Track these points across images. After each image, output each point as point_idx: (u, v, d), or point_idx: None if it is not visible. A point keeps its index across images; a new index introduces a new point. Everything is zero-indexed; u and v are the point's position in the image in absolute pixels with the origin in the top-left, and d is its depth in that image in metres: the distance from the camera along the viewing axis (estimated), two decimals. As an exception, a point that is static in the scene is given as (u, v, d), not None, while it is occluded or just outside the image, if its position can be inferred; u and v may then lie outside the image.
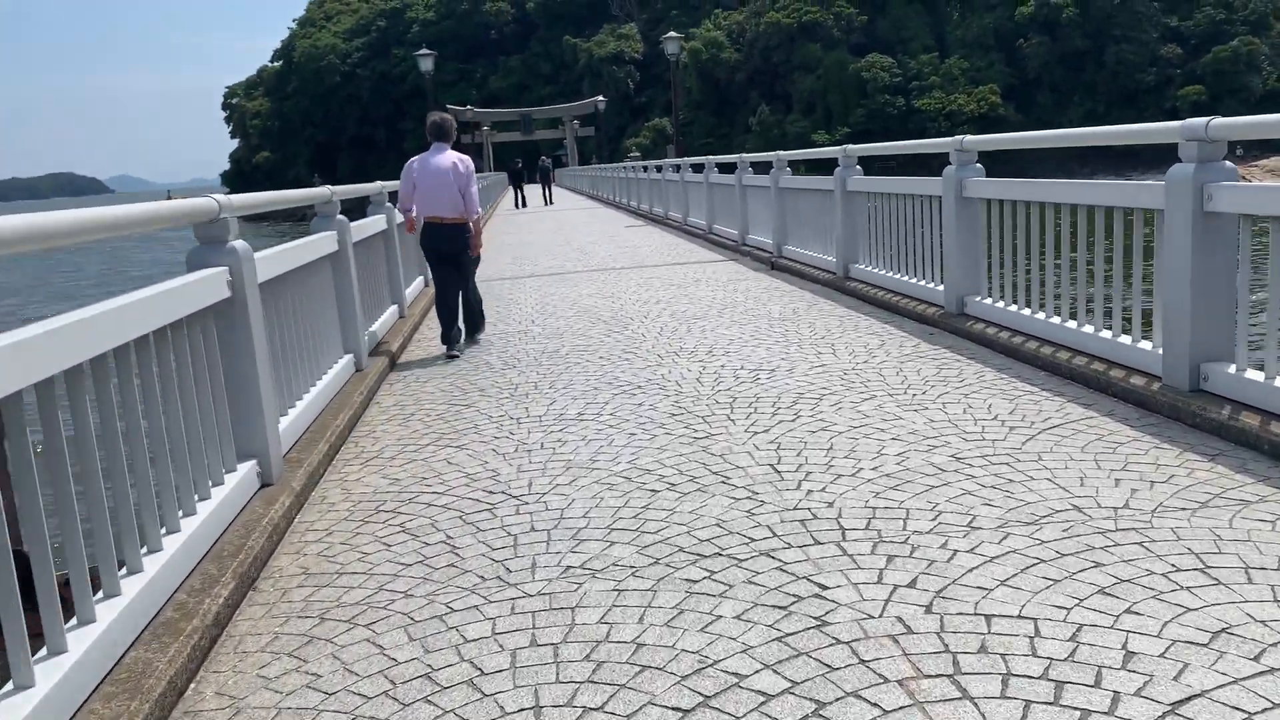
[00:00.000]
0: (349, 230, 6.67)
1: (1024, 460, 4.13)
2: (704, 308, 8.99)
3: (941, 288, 7.49)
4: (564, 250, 16.42)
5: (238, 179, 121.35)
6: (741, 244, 13.93)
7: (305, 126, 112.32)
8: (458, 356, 7.54)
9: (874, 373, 5.92)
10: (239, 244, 4.22)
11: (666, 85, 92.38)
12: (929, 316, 7.36)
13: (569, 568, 3.37)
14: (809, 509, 3.72)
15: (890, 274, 8.54)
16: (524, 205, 35.51)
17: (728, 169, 16.31)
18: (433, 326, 9.20)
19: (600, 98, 75.73)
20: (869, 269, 9.06)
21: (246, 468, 4.14)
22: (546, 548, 3.57)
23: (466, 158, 7.79)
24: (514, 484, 4.34)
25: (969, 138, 6.96)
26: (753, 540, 3.46)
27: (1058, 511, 3.54)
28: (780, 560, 3.27)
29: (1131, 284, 5.17)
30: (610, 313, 9.13)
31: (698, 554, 3.38)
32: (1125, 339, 5.24)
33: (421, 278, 11.48)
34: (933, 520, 3.53)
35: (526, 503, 4.08)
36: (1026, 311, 6.28)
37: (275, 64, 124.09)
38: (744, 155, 13.93)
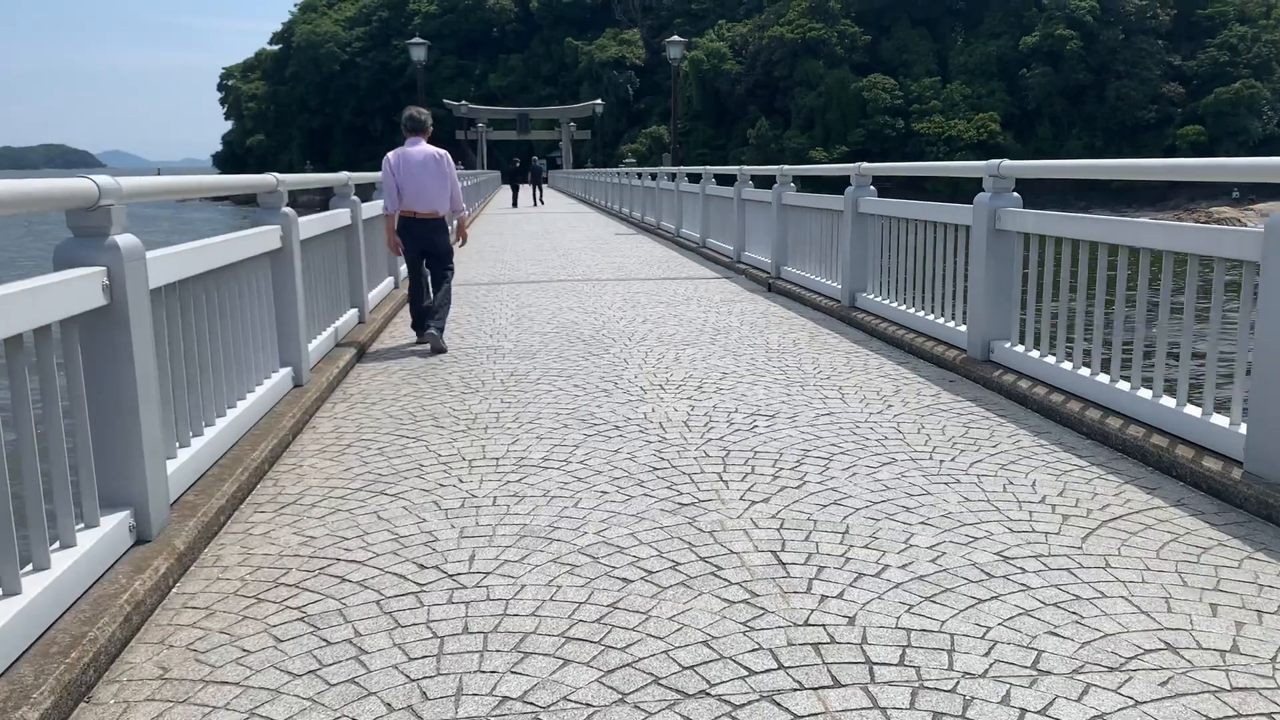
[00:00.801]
0: (296, 225, 5.80)
1: (1088, 566, 3.31)
2: (695, 332, 8.16)
3: (964, 328, 6.68)
4: (548, 256, 15.57)
5: (229, 161, 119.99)
6: (737, 261, 13.12)
7: (300, 112, 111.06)
8: (428, 343, 7.50)
9: (890, 427, 5.09)
10: (124, 239, 3.36)
11: (666, 93, 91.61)
12: (948, 360, 6.55)
13: (505, 699, 2.52)
14: (824, 626, 2.88)
15: (903, 308, 7.74)
16: (518, 205, 35.83)
17: (726, 181, 15.53)
18: (394, 335, 8.34)
19: (598, 101, 75.06)
20: (878, 300, 8.25)
21: (116, 520, 3.27)
22: (479, 663, 2.72)
23: (444, 151, 7.63)
24: (452, 556, 3.48)
25: (1006, 163, 6.16)
26: (752, 673, 2.62)
27: (1147, 651, 2.72)
28: (791, 712, 2.43)
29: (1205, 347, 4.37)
30: (591, 330, 8.28)
31: (679, 691, 2.53)
32: (1194, 410, 4.43)
33: (391, 279, 10.60)
34: (986, 656, 2.70)
35: (464, 586, 3.22)
36: (1067, 365, 5.47)
37: (274, 47, 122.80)
38: (745, 168, 13.13)
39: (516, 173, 37.99)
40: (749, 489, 4.12)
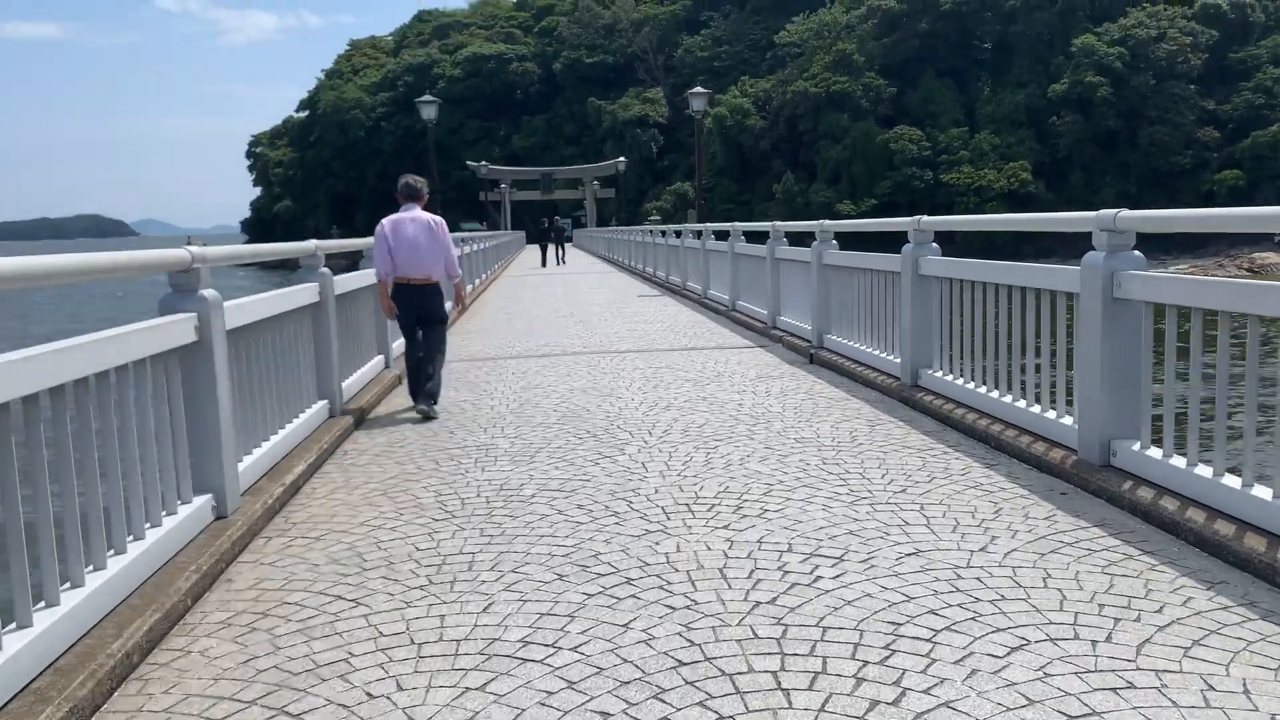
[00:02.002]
0: (219, 310, 4.57)
1: None
2: (728, 421, 6.81)
3: (1070, 421, 5.30)
4: (564, 323, 14.33)
5: (258, 226, 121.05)
6: (771, 326, 11.81)
7: (326, 177, 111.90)
8: (425, 410, 7.38)
9: (1004, 577, 3.70)
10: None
11: (690, 150, 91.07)
12: (1053, 464, 5.16)
13: None
14: None
15: (984, 390, 6.36)
16: (549, 264, 35.98)
17: (756, 238, 14.30)
18: (379, 420, 7.06)
19: (621, 159, 74.74)
20: (950, 379, 6.88)
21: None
22: None
23: (439, 218, 7.66)
24: None
25: (1125, 213, 4.83)
26: None
27: None
28: None
29: None
30: (604, 421, 6.96)
31: None
32: None
33: (380, 357, 9.37)
34: None
35: None
36: (1235, 482, 4.07)
37: (300, 114, 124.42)
38: (778, 224, 11.88)
39: (544, 233, 38.24)
40: (823, 707, 2.75)
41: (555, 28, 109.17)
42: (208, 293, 4.50)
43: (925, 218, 7.26)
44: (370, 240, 8.03)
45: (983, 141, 77.96)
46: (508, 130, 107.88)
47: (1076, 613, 3.35)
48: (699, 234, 17.76)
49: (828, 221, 9.83)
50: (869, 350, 8.47)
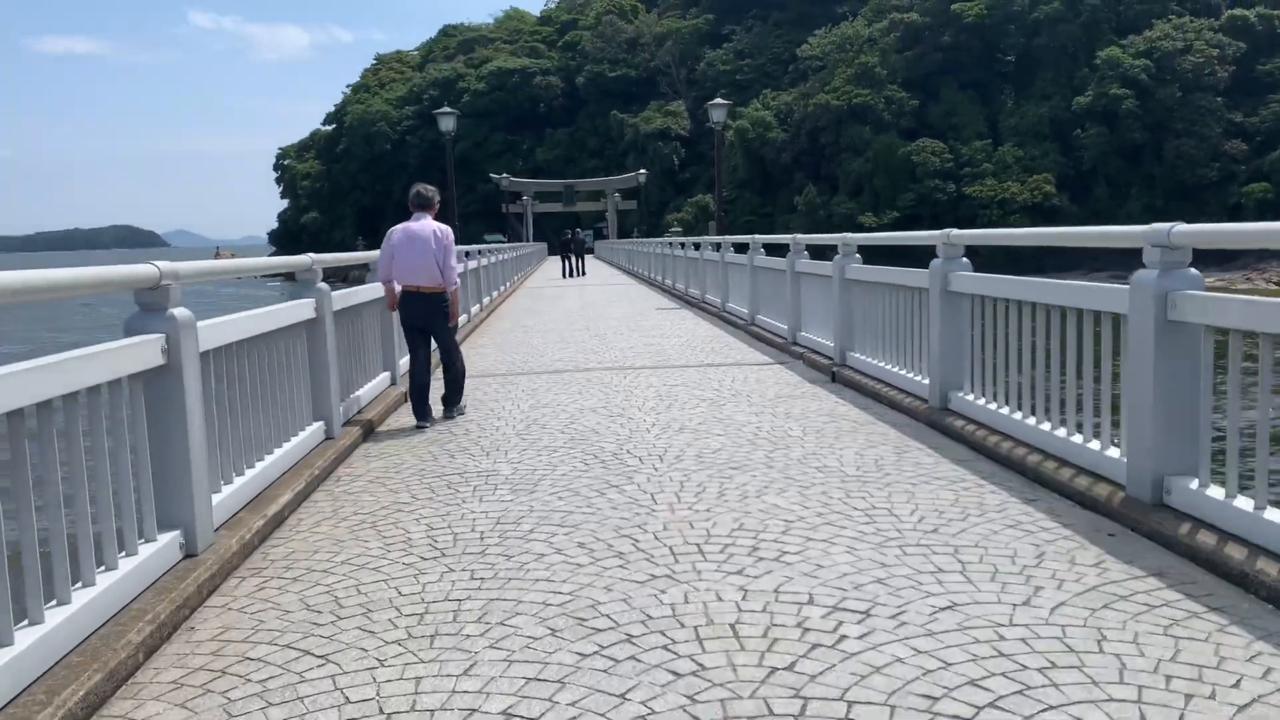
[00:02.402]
0: (190, 330, 4.21)
1: None
2: (744, 445, 6.40)
3: (1117, 454, 4.86)
4: (580, 337, 13.96)
5: (285, 238, 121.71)
6: (792, 342, 11.39)
7: (352, 190, 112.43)
8: (425, 428, 7.53)
9: (1053, 638, 3.27)
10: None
11: (711, 162, 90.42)
12: (1101, 501, 4.71)
13: None
14: None
15: (1019, 417, 5.92)
16: (570, 275, 36.69)
17: (776, 251, 13.91)
18: (382, 442, 6.70)
19: (642, 171, 74.55)
20: (981, 403, 6.44)
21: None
22: None
23: (445, 227, 7.77)
24: None
25: (1180, 228, 4.40)
26: None
27: None
28: None
29: None
30: (615, 445, 6.57)
31: None
32: None
33: (386, 374, 9.03)
34: None
35: None
36: (1312, 528, 3.62)
37: (327, 127, 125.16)
38: (799, 236, 11.46)
39: (565, 245, 39.08)
40: (848, 808, 2.33)
41: (578, 42, 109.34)
42: (178, 312, 4.13)
43: (955, 231, 6.83)
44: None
45: (1006, 154, 77.19)
46: (531, 143, 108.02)
47: (1140, 686, 2.91)
48: (718, 246, 17.37)
49: (850, 234, 9.41)
50: (894, 370, 8.03)
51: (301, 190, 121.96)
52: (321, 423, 6.53)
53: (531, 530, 4.70)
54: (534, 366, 10.93)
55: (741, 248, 15.54)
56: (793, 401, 8.09)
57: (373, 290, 8.22)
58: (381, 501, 5.39)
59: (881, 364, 8.37)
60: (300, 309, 6.28)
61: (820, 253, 11.87)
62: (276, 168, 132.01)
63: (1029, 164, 76.56)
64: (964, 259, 6.89)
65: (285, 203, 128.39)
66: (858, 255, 9.33)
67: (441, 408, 7.89)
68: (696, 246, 20.40)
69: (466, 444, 6.82)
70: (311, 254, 6.87)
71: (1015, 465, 5.57)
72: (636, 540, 4.47)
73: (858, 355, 9.04)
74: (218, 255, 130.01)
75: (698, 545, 4.38)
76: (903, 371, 7.87)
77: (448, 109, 23.94)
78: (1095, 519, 4.63)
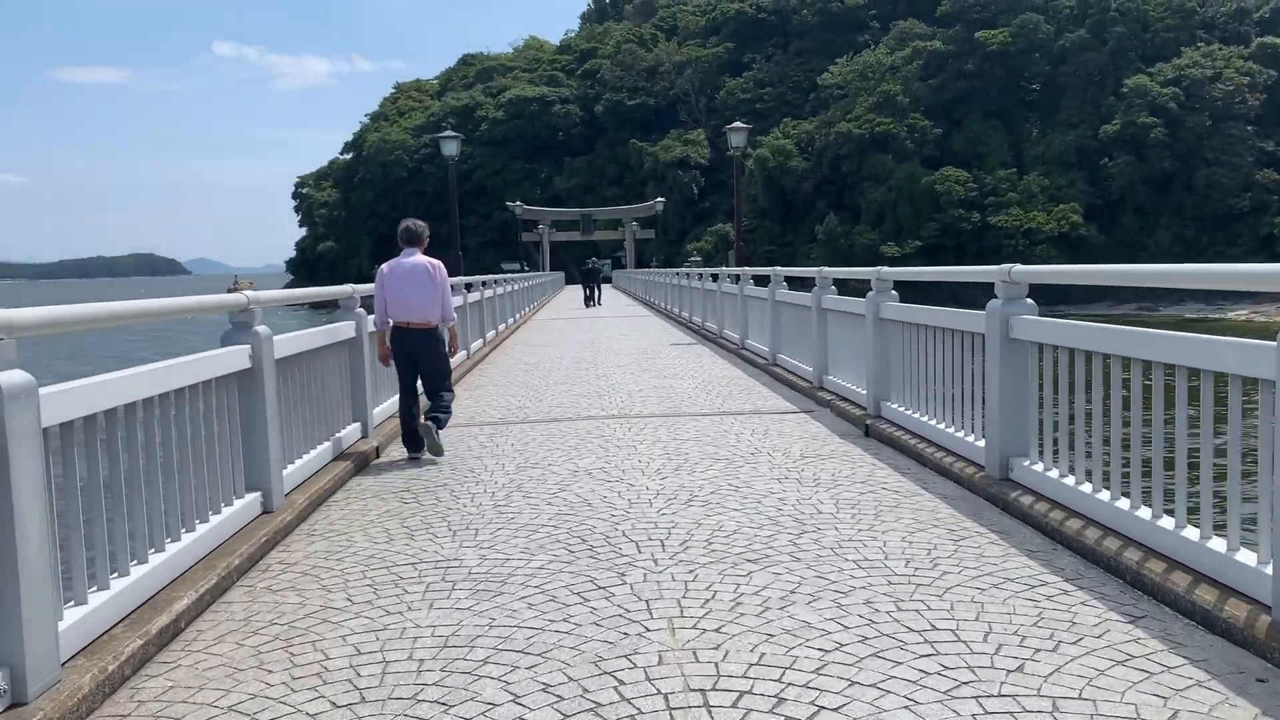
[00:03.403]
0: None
1: None
2: (765, 526, 5.27)
3: (1254, 560, 3.70)
4: (585, 377, 12.87)
5: (302, 266, 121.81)
6: (818, 387, 10.26)
7: (369, 218, 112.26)
8: (419, 458, 7.55)
9: None
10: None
11: (731, 191, 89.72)
12: (1237, 626, 3.55)
13: None
14: None
15: (1103, 497, 4.76)
16: (590, 304, 37.28)
17: (800, 284, 12.84)
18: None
19: (660, 199, 73.79)
20: (1053, 476, 5.29)
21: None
22: None
23: (437, 262, 7.69)
24: None
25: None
26: None
27: None
28: None
29: None
30: (608, 522, 5.45)
31: None
32: None
33: (356, 425, 7.97)
34: None
35: None
36: None
37: (345, 156, 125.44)
38: (825, 270, 10.35)
39: (587, 274, 39.60)
40: None
41: (598, 70, 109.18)
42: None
43: (1018, 267, 5.72)
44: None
45: (1032, 183, 75.95)
46: (549, 172, 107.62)
47: None
48: (737, 278, 16.28)
49: (887, 269, 8.29)
50: (940, 427, 6.88)
51: (319, 218, 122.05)
52: (258, 494, 5.45)
53: (485, 660, 3.58)
54: (530, 413, 9.84)
55: (762, 280, 14.47)
56: (821, 463, 6.95)
57: (324, 334, 7.16)
58: (310, 603, 4.29)
59: (924, 419, 7.22)
60: (227, 359, 5.23)
61: (852, 289, 10.79)
62: (295, 196, 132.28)
63: (1055, 193, 75.26)
64: (1028, 300, 5.77)
65: (303, 231, 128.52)
66: (894, 292, 8.22)
67: (427, 422, 7.53)
68: (715, 278, 19.31)
69: (432, 518, 5.72)
70: (249, 292, 5.85)
71: (1107, 563, 4.40)
72: (620, 682, 3.35)
73: (895, 406, 7.90)
74: (235, 283, 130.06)
75: (703, 692, 3.25)
76: (951, 430, 6.72)
77: (451, 133, 23.05)
78: (1234, 653, 3.47)
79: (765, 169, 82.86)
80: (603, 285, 41.53)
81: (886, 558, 4.67)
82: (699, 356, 15.46)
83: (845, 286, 13.06)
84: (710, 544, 4.96)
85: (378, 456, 7.78)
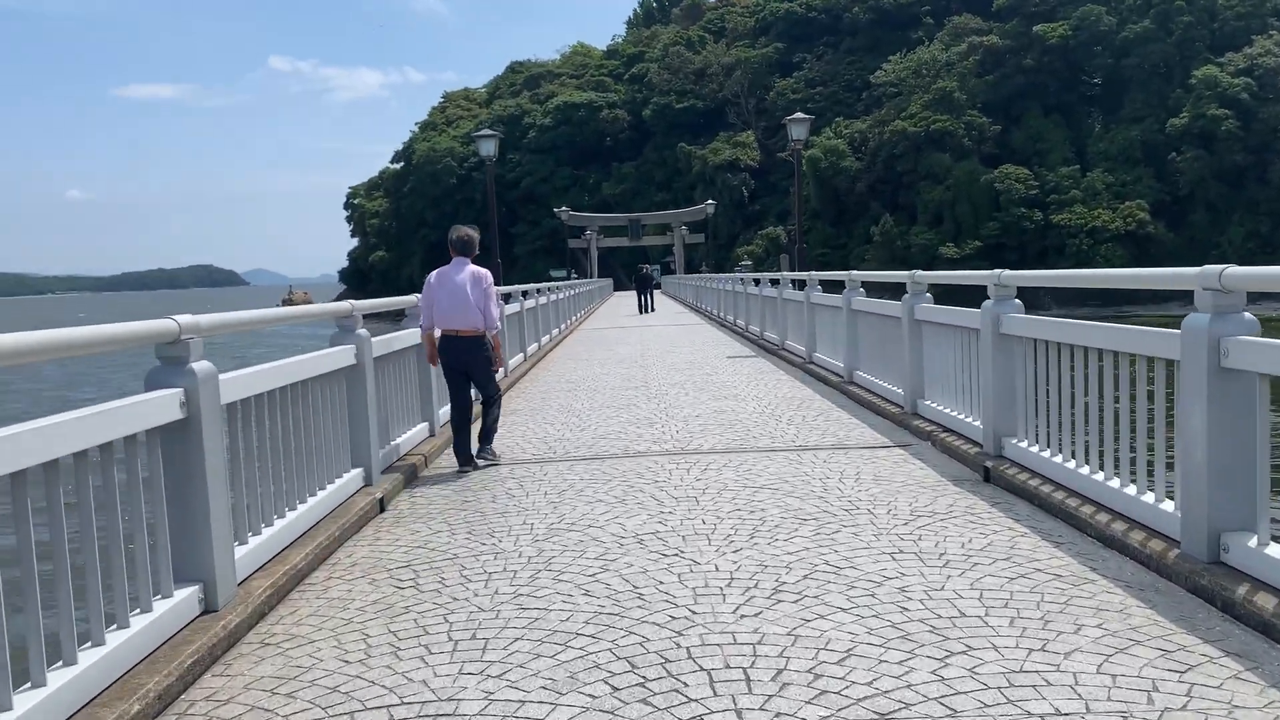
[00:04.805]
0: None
1: None
2: (894, 640, 3.71)
3: None
4: (635, 398, 11.36)
5: (355, 277, 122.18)
6: (911, 412, 8.65)
7: (420, 227, 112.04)
8: (469, 471, 7.48)
9: None
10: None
11: (782, 194, 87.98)
12: None
13: None
14: None
15: None
16: (644, 310, 36.70)
17: (875, 290, 11.32)
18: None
19: (711, 202, 72.14)
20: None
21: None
22: None
23: (486, 271, 7.78)
24: None
25: None
26: None
27: None
28: None
29: None
30: (665, 631, 3.92)
31: None
32: None
33: (349, 477, 6.54)
34: None
35: None
36: None
37: (395, 165, 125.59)
38: (917, 274, 8.72)
39: (642, 280, 39.00)
40: None
41: (645, 74, 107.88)
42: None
43: (1232, 269, 4.08)
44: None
45: (1096, 180, 73.03)
46: (598, 177, 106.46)
47: None
48: (801, 284, 14.67)
49: (1007, 272, 6.65)
50: (1101, 480, 5.24)
51: (370, 228, 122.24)
52: (195, 589, 4.01)
53: None
54: (570, 447, 8.36)
55: (829, 285, 12.87)
56: (942, 526, 5.35)
57: (306, 364, 5.74)
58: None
59: (1072, 465, 5.59)
60: (151, 408, 3.82)
61: (944, 294, 9.18)
62: (346, 206, 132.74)
63: (1120, 190, 72.26)
64: (1246, 314, 4.14)
65: (355, 241, 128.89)
66: (1017, 301, 6.58)
67: (478, 444, 7.75)
68: (774, 283, 17.70)
69: (430, 619, 4.24)
70: (183, 317, 4.43)
71: None
72: None
73: (1024, 445, 6.27)
74: (290, 294, 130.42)
75: None
76: (1116, 484, 5.08)
77: (489, 132, 21.76)
78: None
79: (817, 169, 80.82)
80: (654, 292, 40.10)
81: (1089, 711, 3.09)
82: (760, 372, 13.88)
83: (885, 290, 11.45)
84: (816, 680, 3.40)
85: (382, 510, 6.35)
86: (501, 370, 8.41)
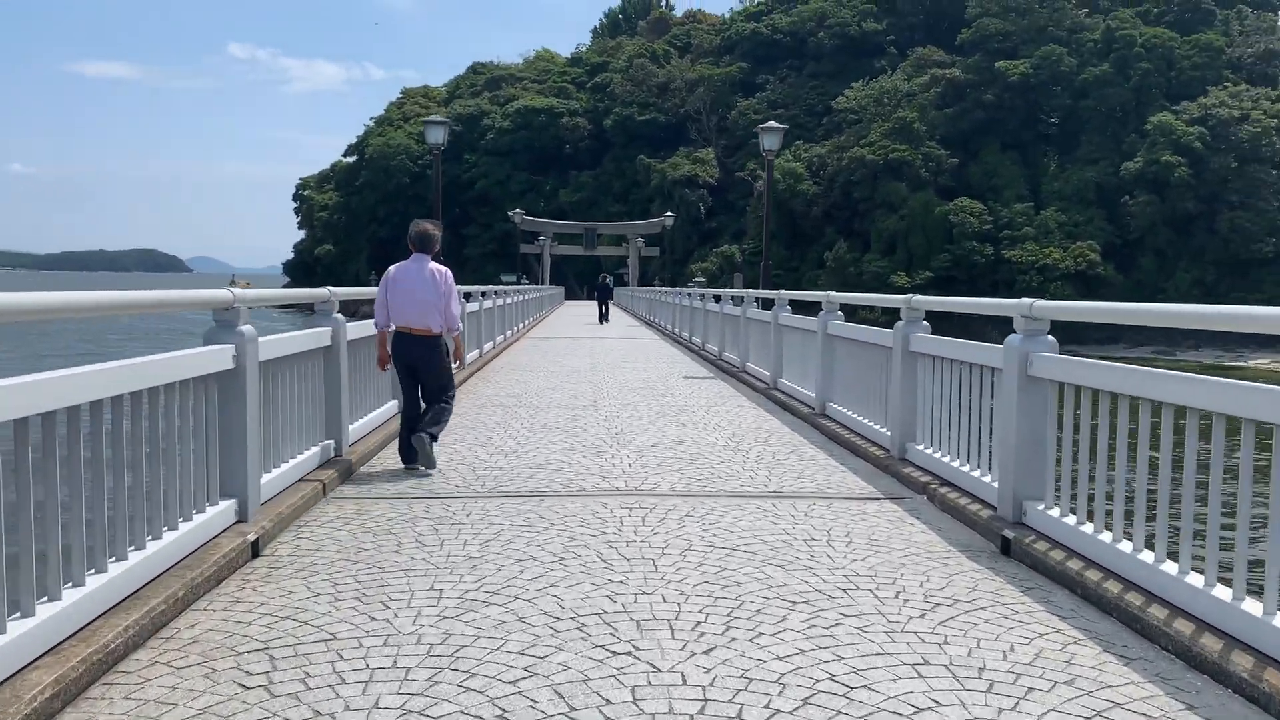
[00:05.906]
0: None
1: None
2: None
3: None
4: (582, 420, 10.08)
5: (299, 269, 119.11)
6: (899, 456, 7.51)
7: (370, 223, 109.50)
8: (418, 470, 7.30)
9: None
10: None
11: (738, 212, 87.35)
12: None
13: None
14: None
15: None
16: (603, 320, 36.53)
17: (849, 312, 10.22)
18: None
19: (669, 214, 71.16)
20: None
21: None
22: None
23: (446, 269, 7.59)
24: None
25: None
26: None
27: None
28: None
29: None
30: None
31: None
32: None
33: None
34: None
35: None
36: None
37: (348, 159, 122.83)
38: (914, 298, 7.58)
39: (602, 290, 39.65)
40: None
41: (608, 84, 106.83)
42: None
43: (1041, 303, 2.98)
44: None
45: (1049, 218, 73.52)
46: (555, 184, 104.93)
47: None
48: (769, 303, 13.54)
49: (1043, 302, 5.52)
50: (1172, 574, 4.09)
51: (318, 221, 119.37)
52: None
53: None
54: (502, 478, 7.06)
55: (801, 306, 11.75)
56: (969, 623, 4.15)
57: (129, 373, 4.46)
58: None
59: (1128, 549, 4.44)
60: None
61: (942, 323, 8.05)
62: (296, 198, 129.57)
63: (1072, 230, 72.75)
64: (1049, 337, 3.05)
65: (302, 234, 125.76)
66: (1050, 338, 5.46)
67: (421, 434, 7.27)
68: (737, 301, 16.54)
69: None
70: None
71: None
72: None
73: (1057, 516, 5.12)
74: (233, 283, 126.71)
75: None
76: (1175, 572, 3.94)
77: (438, 118, 20.40)
78: None
79: (774, 191, 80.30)
80: (609, 302, 39.65)
81: None
82: (720, 396, 12.68)
83: (853, 314, 10.45)
84: None
85: (255, 555, 4.99)
86: (459, 362, 8.52)
